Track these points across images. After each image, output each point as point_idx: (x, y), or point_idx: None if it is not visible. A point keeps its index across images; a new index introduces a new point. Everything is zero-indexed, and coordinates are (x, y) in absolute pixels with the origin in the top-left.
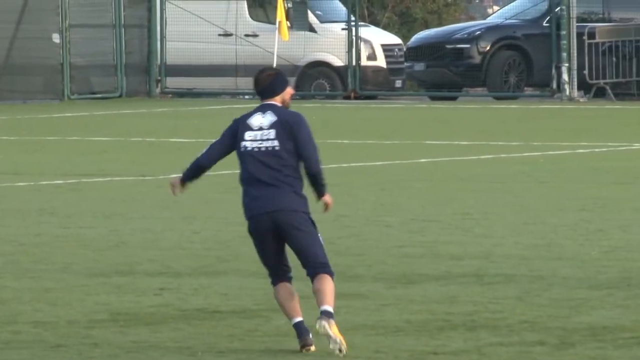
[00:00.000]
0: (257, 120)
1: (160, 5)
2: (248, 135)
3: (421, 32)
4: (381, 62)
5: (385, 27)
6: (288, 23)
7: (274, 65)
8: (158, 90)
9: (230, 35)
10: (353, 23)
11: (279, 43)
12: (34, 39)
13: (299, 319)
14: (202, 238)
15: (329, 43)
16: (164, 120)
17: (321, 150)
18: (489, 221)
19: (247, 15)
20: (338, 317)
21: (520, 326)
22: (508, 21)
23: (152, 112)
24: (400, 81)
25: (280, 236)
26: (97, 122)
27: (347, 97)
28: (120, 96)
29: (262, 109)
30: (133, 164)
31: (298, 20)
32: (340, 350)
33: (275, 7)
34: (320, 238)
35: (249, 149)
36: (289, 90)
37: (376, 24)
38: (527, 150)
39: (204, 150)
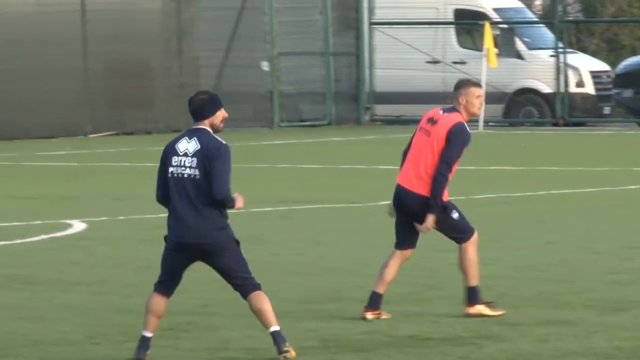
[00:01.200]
0: (183, 145)
1: (369, 33)
2: (174, 160)
3: (629, 59)
4: (589, 88)
5: (593, 54)
6: (496, 50)
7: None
8: (367, 117)
9: (438, 62)
10: (561, 50)
11: (487, 70)
12: (243, 67)
13: (150, 334)
14: (411, 265)
15: (537, 70)
16: (373, 147)
17: (530, 177)
18: None
19: (455, 42)
20: (547, 344)
21: None
22: None
23: (361, 140)
24: (608, 108)
25: (197, 260)
26: (306, 149)
27: (556, 124)
28: (329, 124)
29: (190, 134)
30: (342, 191)
31: (506, 47)
32: None
33: (483, 34)
34: (242, 252)
35: (174, 174)
36: (220, 115)
37: (584, 50)
38: None
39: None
